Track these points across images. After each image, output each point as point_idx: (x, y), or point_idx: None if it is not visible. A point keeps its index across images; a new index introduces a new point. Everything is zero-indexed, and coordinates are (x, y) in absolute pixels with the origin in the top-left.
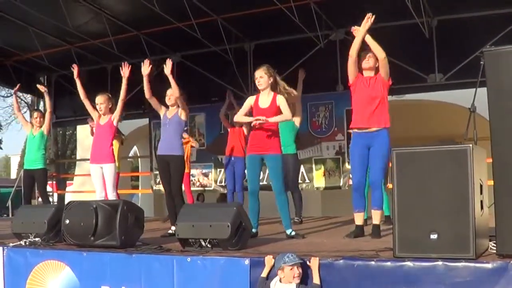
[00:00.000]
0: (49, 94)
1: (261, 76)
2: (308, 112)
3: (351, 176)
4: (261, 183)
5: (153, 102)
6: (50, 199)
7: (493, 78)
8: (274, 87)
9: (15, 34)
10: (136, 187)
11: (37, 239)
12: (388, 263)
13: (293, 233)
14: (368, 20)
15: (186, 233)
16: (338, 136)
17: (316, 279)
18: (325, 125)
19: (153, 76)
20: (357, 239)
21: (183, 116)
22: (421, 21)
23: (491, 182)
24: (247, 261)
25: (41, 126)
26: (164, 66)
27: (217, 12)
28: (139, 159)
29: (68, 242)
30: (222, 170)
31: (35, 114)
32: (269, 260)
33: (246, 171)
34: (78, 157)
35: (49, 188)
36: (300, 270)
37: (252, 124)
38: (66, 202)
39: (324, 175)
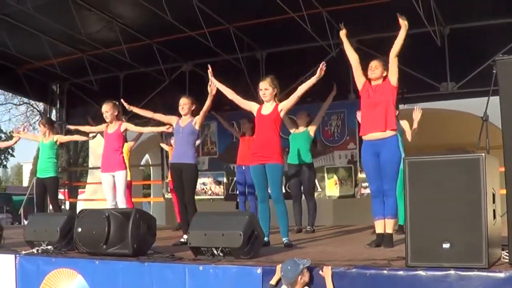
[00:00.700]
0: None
1: (266, 88)
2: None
3: (363, 185)
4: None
5: (160, 117)
6: (62, 207)
7: (506, 86)
8: (276, 99)
9: (28, 42)
10: (148, 195)
11: (49, 247)
12: (401, 272)
13: (286, 241)
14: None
15: (198, 241)
16: (350, 145)
17: (329, 286)
18: (337, 134)
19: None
20: (369, 248)
21: (197, 125)
22: (433, 30)
23: (504, 191)
24: (259, 270)
25: (53, 133)
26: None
27: (229, 21)
28: (150, 167)
29: (80, 250)
30: (234, 178)
31: (42, 120)
32: (279, 269)
33: (253, 181)
34: (90, 165)
35: (61, 196)
36: (306, 278)
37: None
38: (78, 210)
39: (336, 184)
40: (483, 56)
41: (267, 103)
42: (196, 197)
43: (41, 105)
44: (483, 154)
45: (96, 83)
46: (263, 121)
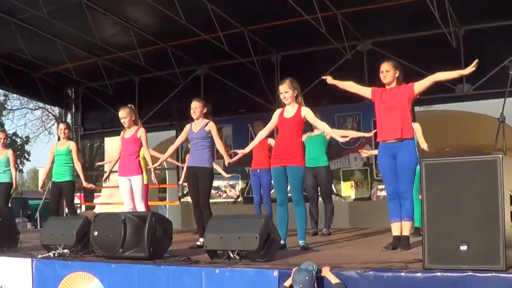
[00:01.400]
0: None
1: (286, 91)
2: (336, 123)
3: (379, 187)
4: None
5: (179, 141)
6: (78, 211)
7: None
8: (297, 99)
9: (43, 47)
10: (164, 199)
11: (65, 250)
12: (418, 275)
13: (303, 244)
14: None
15: (215, 244)
16: (365, 147)
17: (334, 280)
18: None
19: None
20: (385, 250)
21: (211, 132)
22: (448, 31)
23: None
24: (275, 273)
25: (67, 138)
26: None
27: (244, 24)
28: (166, 171)
29: (96, 254)
30: (249, 181)
31: (61, 125)
32: (293, 277)
33: (273, 182)
34: (106, 169)
35: (77, 200)
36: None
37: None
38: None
39: (352, 186)
40: (499, 57)
41: (288, 106)
42: (211, 200)
43: (56, 110)
44: (500, 156)
45: (111, 87)
46: (285, 125)
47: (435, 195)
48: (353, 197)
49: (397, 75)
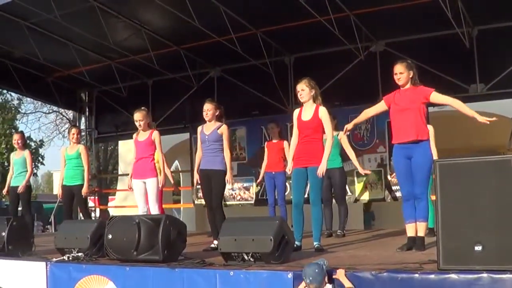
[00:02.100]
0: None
1: (303, 89)
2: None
3: (393, 188)
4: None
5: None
6: (92, 214)
7: None
8: (316, 99)
9: (56, 50)
10: (178, 202)
11: (80, 254)
12: (432, 276)
13: (317, 245)
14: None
15: (229, 247)
16: (379, 148)
17: (347, 284)
18: (367, 138)
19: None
20: (400, 251)
21: (224, 135)
22: (461, 31)
23: None
24: (290, 275)
25: (77, 142)
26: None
27: (257, 26)
28: (180, 173)
29: (111, 257)
30: (263, 183)
31: (73, 130)
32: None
33: (291, 183)
34: (120, 172)
35: (91, 203)
36: (326, 278)
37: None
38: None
39: (366, 187)
40: None
41: (306, 104)
42: (225, 202)
43: (70, 113)
44: None
45: (125, 90)
46: (305, 127)
47: (449, 195)
48: (367, 198)
49: (411, 76)
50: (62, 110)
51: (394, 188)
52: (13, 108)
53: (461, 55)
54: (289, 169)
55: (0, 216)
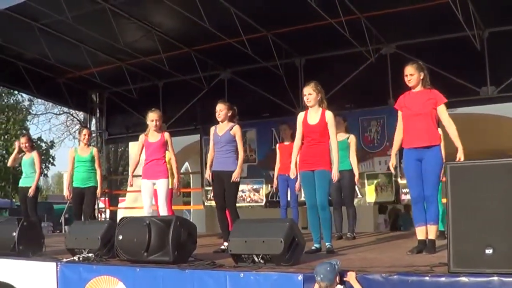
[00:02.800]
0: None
1: (310, 93)
2: (360, 126)
3: (403, 191)
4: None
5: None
6: (103, 215)
7: None
8: (321, 103)
9: (67, 52)
10: (188, 203)
11: (90, 254)
12: (443, 279)
13: (329, 246)
14: None
15: (239, 248)
16: (390, 151)
17: (357, 287)
18: (377, 140)
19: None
20: (410, 254)
21: (237, 135)
22: (472, 34)
23: None
24: (300, 277)
25: (87, 144)
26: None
27: (268, 28)
28: (190, 175)
29: (121, 258)
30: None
31: (84, 131)
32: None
33: (302, 187)
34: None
35: (101, 204)
36: (338, 278)
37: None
38: (118, 218)
39: (376, 190)
40: None
41: (311, 108)
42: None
43: (81, 115)
44: None
45: (135, 92)
46: (311, 131)
47: (460, 198)
48: (377, 200)
49: (422, 77)
50: (73, 112)
51: (404, 190)
52: (24, 109)
53: (472, 58)
54: (293, 173)
55: (11, 217)
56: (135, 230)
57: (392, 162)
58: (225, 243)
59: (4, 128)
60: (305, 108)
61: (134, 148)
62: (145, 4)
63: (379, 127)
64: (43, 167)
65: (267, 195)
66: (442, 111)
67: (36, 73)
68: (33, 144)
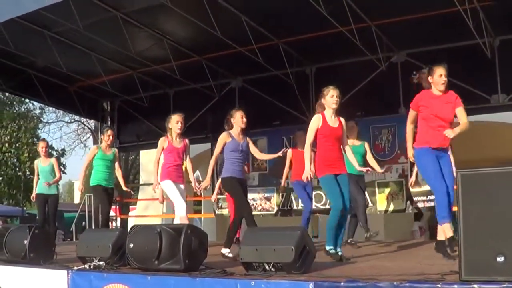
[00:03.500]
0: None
1: (339, 97)
2: (371, 135)
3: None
4: (322, 207)
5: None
6: (114, 223)
7: None
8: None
9: (79, 60)
10: (199, 212)
11: (101, 262)
12: (455, 287)
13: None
14: None
15: (250, 256)
16: (401, 159)
17: None
18: (388, 148)
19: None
20: (422, 262)
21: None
22: (483, 41)
23: None
24: (311, 285)
25: (111, 146)
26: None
27: (278, 36)
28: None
29: (132, 266)
30: (285, 194)
31: (109, 131)
32: None
33: (326, 190)
34: (141, 182)
35: (112, 213)
36: None
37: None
38: (129, 226)
39: (387, 198)
40: None
41: (328, 112)
42: None
43: (92, 123)
44: None
45: (146, 100)
46: (333, 134)
47: (471, 206)
48: (387, 209)
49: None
50: (84, 120)
51: (416, 199)
52: (35, 117)
53: (483, 66)
54: (308, 174)
55: (22, 224)
56: (146, 238)
57: (410, 153)
58: (227, 250)
59: (16, 136)
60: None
61: (145, 156)
62: (156, 12)
63: (390, 135)
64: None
65: (278, 204)
66: (461, 112)
67: (48, 81)
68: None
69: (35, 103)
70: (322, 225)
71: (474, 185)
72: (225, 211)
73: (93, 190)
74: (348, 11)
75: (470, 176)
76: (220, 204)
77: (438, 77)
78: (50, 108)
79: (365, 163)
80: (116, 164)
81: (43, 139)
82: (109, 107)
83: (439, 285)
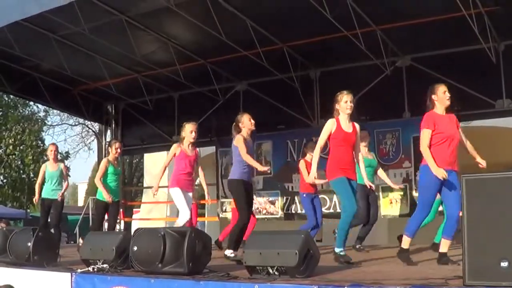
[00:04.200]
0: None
1: (352, 102)
2: (375, 139)
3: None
4: (326, 211)
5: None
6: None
7: None
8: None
9: (83, 63)
10: (203, 215)
11: (105, 265)
12: None
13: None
14: None
15: (254, 260)
16: (405, 164)
17: None
18: (392, 153)
19: (219, 104)
20: (426, 267)
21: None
22: (488, 46)
23: None
24: None
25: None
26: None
27: (283, 40)
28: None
29: (136, 269)
30: (289, 197)
31: (117, 144)
32: None
33: (341, 192)
34: (145, 185)
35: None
36: None
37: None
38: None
39: (391, 203)
40: None
41: (342, 118)
42: None
43: (96, 126)
44: None
45: (151, 103)
46: (348, 138)
47: (475, 211)
48: (392, 213)
49: None
50: (88, 123)
51: None
52: (39, 120)
53: (488, 70)
54: (314, 176)
55: (26, 227)
56: (150, 241)
57: (441, 173)
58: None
59: (20, 138)
60: (324, 119)
61: (149, 159)
62: (161, 16)
63: (394, 140)
64: None
65: (282, 207)
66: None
67: (52, 84)
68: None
69: (39, 105)
70: (326, 227)
71: (478, 190)
72: (229, 215)
73: (96, 203)
74: (353, 15)
75: (474, 181)
76: (224, 208)
77: (443, 94)
78: (55, 111)
79: (374, 178)
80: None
81: (53, 143)
82: (113, 110)
83: None
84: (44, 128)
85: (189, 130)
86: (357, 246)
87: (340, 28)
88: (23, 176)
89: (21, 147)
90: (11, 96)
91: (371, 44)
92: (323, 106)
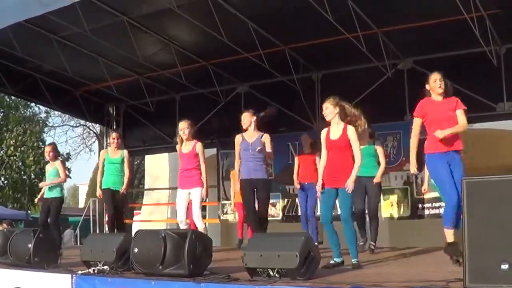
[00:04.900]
0: (118, 124)
1: (326, 108)
2: None
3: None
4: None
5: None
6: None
7: None
8: (343, 117)
9: (85, 64)
10: (203, 217)
11: (105, 267)
12: None
13: (355, 262)
14: None
15: (254, 262)
16: (406, 166)
17: None
18: (393, 155)
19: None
20: (426, 269)
21: (266, 143)
22: (489, 49)
23: None
24: None
25: (118, 148)
26: None
27: (285, 42)
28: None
29: (136, 271)
30: (290, 200)
31: (114, 134)
32: None
33: (320, 200)
34: (146, 187)
35: None
36: None
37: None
38: (133, 231)
39: (392, 205)
40: None
41: (332, 123)
42: None
43: (97, 127)
44: None
45: (152, 105)
46: (333, 147)
47: (476, 213)
48: (393, 216)
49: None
50: (90, 124)
51: (422, 205)
52: (40, 121)
53: (489, 73)
54: (319, 186)
55: (27, 228)
56: (151, 243)
57: (413, 166)
58: None
59: (21, 140)
60: (326, 124)
61: (150, 161)
62: (163, 17)
63: (395, 142)
64: None
65: (283, 209)
66: (460, 114)
67: (54, 85)
68: (57, 154)
69: (40, 107)
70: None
71: (479, 192)
72: (230, 217)
73: (102, 193)
74: (355, 18)
75: (475, 183)
76: (225, 210)
77: (433, 82)
78: (56, 112)
79: (377, 167)
80: (126, 165)
81: (49, 144)
82: (114, 112)
83: None
84: (45, 129)
85: (179, 129)
86: (370, 246)
87: (342, 30)
88: (24, 177)
89: (22, 148)
90: (13, 97)
91: (372, 47)
92: None
